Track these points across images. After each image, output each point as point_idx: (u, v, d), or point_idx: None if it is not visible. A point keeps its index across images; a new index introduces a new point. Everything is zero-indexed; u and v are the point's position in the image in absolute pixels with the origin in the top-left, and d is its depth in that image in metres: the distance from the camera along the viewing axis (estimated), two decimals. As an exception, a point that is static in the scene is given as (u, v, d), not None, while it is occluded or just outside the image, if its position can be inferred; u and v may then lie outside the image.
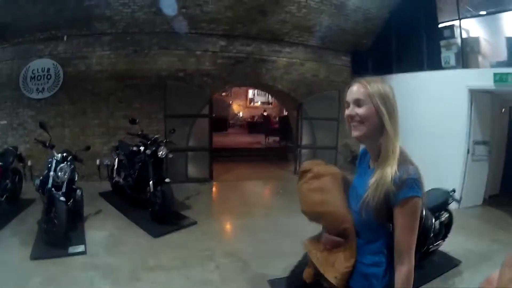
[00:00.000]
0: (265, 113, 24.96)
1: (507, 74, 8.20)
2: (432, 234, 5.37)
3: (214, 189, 11.22)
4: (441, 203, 5.86)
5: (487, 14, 10.12)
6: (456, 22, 10.20)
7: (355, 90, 2.16)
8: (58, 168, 6.60)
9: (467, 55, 10.15)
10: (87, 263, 5.82)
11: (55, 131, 8.03)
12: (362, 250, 2.20)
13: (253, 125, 24.24)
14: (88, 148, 7.83)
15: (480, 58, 10.12)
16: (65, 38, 10.61)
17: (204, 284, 5.46)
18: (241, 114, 26.82)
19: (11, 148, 8.65)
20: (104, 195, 9.41)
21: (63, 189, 6.55)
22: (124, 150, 8.95)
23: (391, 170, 1.99)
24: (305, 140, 12.74)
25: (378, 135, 2.12)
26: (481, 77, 8.81)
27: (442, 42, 10.46)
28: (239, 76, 11.84)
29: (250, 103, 27.18)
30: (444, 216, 5.93)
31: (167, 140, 8.28)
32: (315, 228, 2.51)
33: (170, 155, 8.10)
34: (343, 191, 2.35)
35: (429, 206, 5.31)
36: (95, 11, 10.05)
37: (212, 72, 11.38)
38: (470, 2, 10.35)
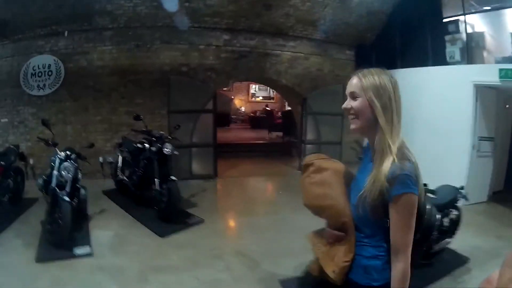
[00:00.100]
0: (267, 108, 24.71)
1: (512, 69, 8.03)
2: (436, 232, 5.29)
3: (219, 186, 11.08)
4: (450, 200, 5.78)
5: (492, 9, 9.95)
6: (461, 17, 10.09)
7: (351, 83, 2.15)
8: (62, 166, 6.44)
9: (472, 50, 10.04)
10: (94, 264, 5.70)
11: (56, 128, 7.87)
12: (361, 244, 2.18)
13: (256, 120, 23.81)
14: (92, 145, 7.67)
15: (485, 54, 10.02)
16: (66, 33, 10.43)
17: (215, 284, 5.38)
18: (243, 109, 26.49)
19: (12, 146, 8.48)
20: (108, 193, 9.28)
21: (67, 189, 6.36)
22: (128, 147, 8.83)
23: (386, 166, 1.96)
24: (309, 135, 12.59)
25: (374, 129, 2.10)
26: (486, 73, 8.71)
27: (447, 37, 10.36)
28: (243, 71, 11.69)
29: (251, 98, 26.92)
30: (453, 213, 5.82)
31: (172, 137, 8.13)
32: (322, 225, 2.49)
33: (176, 152, 7.89)
34: (344, 185, 2.33)
35: (438, 203, 5.23)
36: (96, 6, 9.89)
37: (215, 66, 11.23)
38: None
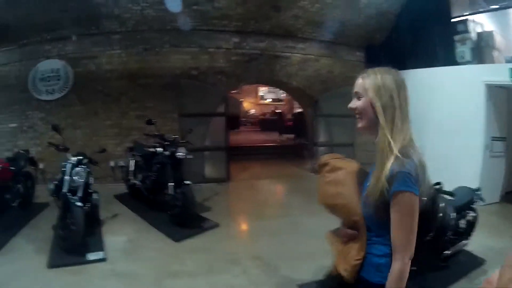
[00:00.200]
0: (278, 110, 24.50)
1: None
2: (450, 232, 5.15)
3: (232, 189, 10.94)
4: (467, 201, 5.64)
5: (500, 8, 9.94)
6: (470, 17, 10.08)
7: (356, 83, 2.20)
8: (74, 172, 6.33)
9: (482, 50, 9.96)
10: (108, 270, 5.57)
11: (66, 133, 7.75)
12: (372, 242, 2.19)
13: (266, 123, 23.74)
14: (103, 150, 7.53)
15: (495, 53, 9.93)
16: (74, 37, 10.38)
17: (233, 290, 5.18)
18: (252, 111, 26.42)
19: (22, 151, 8.39)
20: (119, 197, 9.17)
21: (80, 194, 6.28)
22: (140, 151, 8.75)
23: (387, 165, 1.98)
24: (321, 137, 12.45)
25: (377, 128, 2.11)
26: (497, 72, 8.61)
27: (457, 37, 10.26)
28: (253, 73, 11.57)
29: (260, 100, 26.88)
30: (470, 214, 5.68)
31: (185, 141, 8.02)
32: (337, 227, 2.52)
33: (190, 156, 7.72)
34: (358, 184, 2.34)
35: (456, 204, 5.13)
36: (103, 10, 9.82)
37: (226, 69, 11.10)
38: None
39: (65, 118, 10.25)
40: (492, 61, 9.78)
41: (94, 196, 6.87)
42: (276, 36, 11.45)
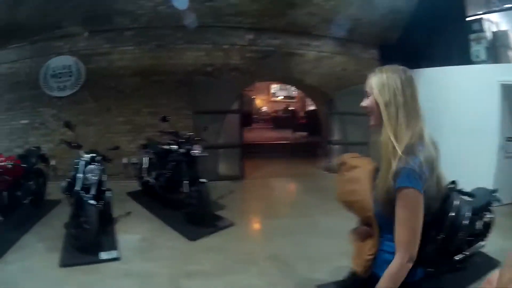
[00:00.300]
0: (290, 108, 24.35)
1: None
2: (462, 232, 4.95)
3: (246, 187, 10.78)
4: (485, 203, 5.50)
5: None
6: (485, 16, 9.91)
7: (366, 81, 2.26)
8: (88, 169, 6.22)
9: (497, 49, 9.78)
10: (122, 269, 5.46)
11: (78, 129, 7.58)
12: (384, 239, 2.21)
13: (279, 120, 23.44)
14: (116, 147, 7.49)
15: (511, 53, 9.76)
16: (86, 34, 10.29)
17: (250, 290, 5.06)
18: (264, 108, 26.31)
19: (34, 148, 8.35)
20: (132, 195, 9.07)
21: (93, 192, 6.17)
22: (154, 149, 8.63)
23: (390, 162, 2.00)
24: (336, 135, 12.28)
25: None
26: (512, 72, 8.37)
27: (472, 36, 10.07)
28: (268, 71, 11.40)
29: (272, 97, 26.77)
30: (487, 216, 5.51)
31: (200, 138, 7.91)
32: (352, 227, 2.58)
33: (205, 154, 7.68)
34: (372, 182, 2.33)
35: (474, 205, 4.98)
36: (115, 6, 9.69)
37: (240, 66, 10.93)
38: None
39: (77, 115, 10.10)
40: (507, 60, 9.60)
41: (108, 194, 6.75)
42: (290, 33, 11.27)
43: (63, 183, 6.63)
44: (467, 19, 10.28)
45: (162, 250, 6.18)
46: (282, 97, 26.72)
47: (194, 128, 9.60)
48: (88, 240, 5.78)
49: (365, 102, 2.24)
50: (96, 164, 6.39)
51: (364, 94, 2.26)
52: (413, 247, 1.97)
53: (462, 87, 9.35)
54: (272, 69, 11.37)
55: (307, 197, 9.91)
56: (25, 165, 7.29)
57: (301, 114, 22.68)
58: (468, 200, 4.76)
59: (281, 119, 23.15)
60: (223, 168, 10.88)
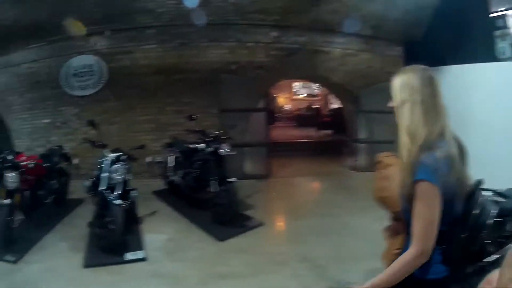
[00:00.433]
0: (315, 106, 24.18)
1: None
2: (486, 232, 4.68)
3: (273, 186, 10.51)
4: None
5: None
6: (509, 12, 9.60)
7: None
8: (113, 168, 6.13)
9: None
10: (149, 271, 5.33)
11: (101, 128, 7.51)
12: (411, 235, 2.13)
13: (302, 118, 23.23)
14: (142, 146, 7.33)
15: None
16: (107, 33, 10.21)
17: (285, 293, 4.93)
18: (288, 106, 26.13)
19: (56, 147, 8.37)
20: (158, 194, 8.95)
21: (118, 191, 6.06)
22: (180, 147, 8.50)
23: (408, 159, 2.04)
24: (362, 133, 11.99)
25: None
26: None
27: (497, 32, 9.76)
28: (293, 68, 11.17)
29: (294, 95, 26.60)
30: None
31: (228, 137, 7.73)
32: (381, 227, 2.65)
33: (233, 153, 7.47)
34: None
35: (506, 206, 4.66)
36: (136, 5, 9.58)
37: (265, 64, 10.70)
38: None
39: (99, 114, 9.96)
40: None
41: (133, 193, 6.63)
42: (315, 31, 11.02)
43: (87, 183, 6.50)
44: (491, 15, 10.00)
45: (190, 251, 6.02)
46: (305, 95, 26.56)
47: (220, 127, 9.42)
48: (113, 240, 5.67)
49: (391, 103, 2.28)
50: (121, 163, 6.28)
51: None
52: (427, 240, 1.98)
53: (487, 84, 9.10)
54: (297, 67, 11.13)
55: (335, 196, 9.59)
56: (47, 164, 7.31)
57: (326, 112, 22.46)
58: (497, 200, 4.47)
59: (305, 117, 22.95)
60: (249, 167, 10.67)
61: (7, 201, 5.72)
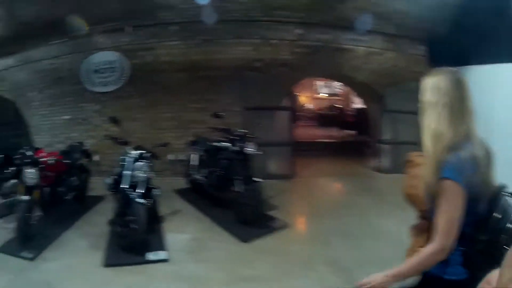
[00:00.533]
0: (338, 105, 23.97)
1: None
2: (506, 237, 4.49)
3: (297, 186, 10.29)
4: None
5: None
6: None
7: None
8: (136, 166, 6.06)
9: None
10: (171, 271, 5.21)
11: (123, 125, 7.43)
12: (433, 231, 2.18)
13: (324, 118, 23.07)
14: (165, 144, 7.28)
15: None
16: (129, 29, 10.10)
17: (312, 299, 4.83)
18: (310, 106, 25.96)
19: (77, 143, 8.29)
20: (180, 192, 8.83)
21: (141, 189, 5.95)
22: (204, 146, 8.45)
23: (433, 159, 2.09)
24: (386, 134, 11.73)
25: None
26: None
27: None
28: (317, 66, 10.98)
29: (316, 94, 26.41)
30: None
31: (254, 135, 7.56)
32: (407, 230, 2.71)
33: (259, 152, 7.36)
34: None
35: None
36: (159, 1, 9.49)
37: (290, 61, 10.50)
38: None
39: (121, 111, 9.91)
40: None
41: (155, 191, 6.48)
42: (340, 28, 10.78)
43: (109, 180, 6.41)
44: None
45: (213, 252, 5.88)
46: (326, 94, 26.40)
47: (243, 125, 9.11)
48: (135, 239, 5.62)
49: (420, 103, 2.30)
50: (144, 161, 6.20)
51: (419, 93, 2.32)
52: (448, 237, 2.00)
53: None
54: (321, 65, 10.95)
55: (360, 198, 9.39)
56: (68, 161, 7.27)
57: (348, 112, 22.22)
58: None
59: (327, 117, 22.84)
60: (273, 166, 10.43)
61: (26, 197, 5.70)
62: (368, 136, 13.82)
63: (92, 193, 8.13)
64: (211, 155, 8.10)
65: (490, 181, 2.18)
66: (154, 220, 6.55)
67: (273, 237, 6.49)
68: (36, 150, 6.74)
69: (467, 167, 2.02)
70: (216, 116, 8.09)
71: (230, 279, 5.03)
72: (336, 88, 24.80)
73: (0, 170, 6.93)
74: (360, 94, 14.68)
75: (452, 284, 2.10)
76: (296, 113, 21.00)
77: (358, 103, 19.88)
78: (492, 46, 9.54)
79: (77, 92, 10.44)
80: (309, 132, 19.48)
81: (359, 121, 16.89)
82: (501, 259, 2.06)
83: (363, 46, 10.96)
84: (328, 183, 11.06)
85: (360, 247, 6.15)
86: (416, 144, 2.67)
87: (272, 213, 7.50)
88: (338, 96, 25.71)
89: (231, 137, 7.50)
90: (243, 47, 10.23)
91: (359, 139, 16.19)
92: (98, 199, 7.93)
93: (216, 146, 7.97)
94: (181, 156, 9.28)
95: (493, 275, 1.68)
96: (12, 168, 6.45)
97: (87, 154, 8.22)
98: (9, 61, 10.93)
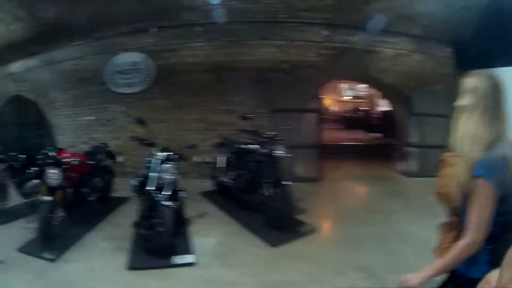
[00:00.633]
0: (363, 108, 23.85)
1: None
2: None
3: (324, 189, 10.09)
4: None
5: None
6: None
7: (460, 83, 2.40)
8: (163, 168, 5.93)
9: None
10: (198, 276, 5.06)
11: (148, 126, 7.33)
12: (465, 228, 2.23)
13: (349, 120, 23.01)
14: (193, 146, 7.22)
15: None
16: (153, 30, 10.09)
17: (343, 306, 4.71)
18: (334, 108, 25.84)
19: (101, 144, 8.27)
20: (206, 195, 8.75)
21: (168, 192, 5.82)
22: (231, 148, 8.37)
23: (468, 158, 2.16)
24: (413, 137, 11.53)
25: None
26: None
27: None
28: (344, 68, 10.84)
29: (340, 97, 26.39)
30: None
31: (282, 138, 7.42)
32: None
33: (288, 154, 7.14)
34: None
35: None
36: (183, 2, 9.49)
37: (316, 63, 10.35)
38: None
39: (147, 112, 9.78)
40: None
41: (182, 194, 6.34)
42: (366, 30, 10.52)
43: (134, 182, 6.30)
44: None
45: (241, 256, 5.73)
46: (350, 97, 26.35)
47: (270, 127, 9.06)
48: (161, 243, 5.50)
49: (459, 102, 2.34)
50: (171, 162, 6.08)
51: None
52: (479, 232, 2.06)
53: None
54: (348, 67, 10.81)
55: (388, 202, 9.18)
56: (92, 162, 7.25)
57: (375, 114, 21.99)
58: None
59: (352, 119, 22.68)
60: (300, 169, 10.17)
61: (48, 198, 5.66)
62: (395, 139, 13.68)
63: (116, 194, 8.09)
64: (239, 157, 8.01)
65: None
66: (180, 223, 6.43)
67: (302, 242, 6.31)
68: (60, 150, 6.71)
69: (498, 166, 2.09)
70: (245, 118, 7.92)
71: (258, 284, 4.89)
72: (360, 90, 24.81)
73: (22, 170, 7.12)
74: (387, 97, 14.54)
75: (478, 282, 2.05)
76: (322, 116, 20.98)
77: (383, 106, 19.89)
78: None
79: (101, 93, 10.47)
80: (334, 135, 19.33)
81: (385, 123, 16.81)
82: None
83: (390, 48, 10.85)
84: (355, 187, 10.92)
85: (390, 252, 6.00)
86: (443, 148, 2.70)
87: (300, 217, 7.33)
88: (363, 99, 25.67)
89: (259, 139, 7.37)
90: (268, 49, 10.15)
91: (385, 142, 16.05)
92: (122, 201, 7.88)
93: (244, 148, 7.86)
94: (207, 158, 9.24)
95: (493, 275, 1.73)
96: (34, 168, 6.46)
97: (112, 155, 8.17)
98: (31, 62, 11.07)
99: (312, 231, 6.72)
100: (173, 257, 5.38)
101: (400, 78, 11.07)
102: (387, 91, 13.02)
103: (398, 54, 10.90)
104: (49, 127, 11.04)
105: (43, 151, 6.23)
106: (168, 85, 10.19)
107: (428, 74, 11.12)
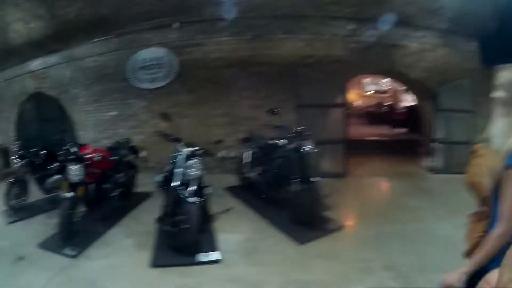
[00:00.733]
0: (387, 103, 23.54)
1: None
2: None
3: (350, 186, 9.90)
4: None
5: None
6: None
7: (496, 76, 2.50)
8: (189, 164, 5.82)
9: None
10: (223, 274, 4.93)
11: (173, 121, 7.33)
12: (495, 221, 2.23)
13: (374, 115, 22.67)
14: (220, 141, 7.24)
15: None
16: (177, 25, 10.00)
17: (372, 305, 4.64)
18: (358, 103, 25.40)
19: (124, 140, 8.24)
20: (230, 190, 8.65)
21: (193, 188, 5.69)
22: (258, 143, 8.27)
23: (503, 147, 2.18)
24: (439, 133, 11.29)
25: None
26: None
27: None
28: (371, 63, 10.69)
29: (364, 92, 26.01)
30: None
31: (310, 133, 7.21)
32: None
33: (316, 150, 7.01)
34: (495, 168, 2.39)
35: None
36: None
37: (343, 58, 10.20)
38: None
39: (170, 107, 9.76)
40: None
41: (207, 190, 6.25)
42: (392, 24, 10.41)
43: (159, 178, 6.22)
44: None
45: (268, 254, 5.58)
46: (373, 91, 26.02)
47: (296, 122, 8.96)
48: (187, 240, 5.37)
49: (496, 94, 2.41)
50: (197, 158, 5.97)
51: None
52: (511, 221, 2.07)
53: None
54: (374, 61, 10.68)
55: (415, 199, 8.95)
56: (114, 157, 7.27)
57: (399, 109, 21.67)
58: None
59: (377, 114, 22.47)
60: (326, 165, 9.99)
61: (70, 194, 5.65)
62: (420, 135, 13.60)
63: (138, 189, 8.09)
64: (265, 153, 7.89)
65: None
66: (205, 219, 6.31)
67: (329, 239, 6.15)
68: (82, 146, 6.65)
69: None
70: (272, 113, 7.82)
71: (285, 283, 4.74)
72: (383, 85, 24.58)
73: (43, 166, 7.23)
74: (412, 91, 14.46)
75: None
76: (347, 111, 20.75)
77: (407, 101, 19.74)
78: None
79: (124, 89, 10.48)
80: (359, 130, 19.06)
81: (410, 119, 16.65)
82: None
83: (415, 43, 10.76)
84: (381, 183, 10.74)
85: (419, 251, 5.80)
86: (469, 144, 2.63)
87: (326, 213, 7.17)
88: (386, 93, 25.40)
89: (287, 134, 7.21)
90: (294, 43, 10.05)
91: (411, 138, 15.91)
92: (145, 196, 7.86)
93: (271, 143, 7.72)
94: (232, 153, 9.16)
95: (493, 275, 1.75)
96: (55, 164, 6.53)
97: (134, 150, 8.09)
98: (51, 59, 11.15)
99: (339, 228, 6.55)
100: (198, 254, 5.28)
101: (426, 72, 10.97)
102: (412, 86, 12.95)
103: (424, 48, 10.81)
104: (70, 123, 11.10)
105: (64, 147, 6.18)
106: (191, 80, 10.12)
107: (453, 68, 10.96)
